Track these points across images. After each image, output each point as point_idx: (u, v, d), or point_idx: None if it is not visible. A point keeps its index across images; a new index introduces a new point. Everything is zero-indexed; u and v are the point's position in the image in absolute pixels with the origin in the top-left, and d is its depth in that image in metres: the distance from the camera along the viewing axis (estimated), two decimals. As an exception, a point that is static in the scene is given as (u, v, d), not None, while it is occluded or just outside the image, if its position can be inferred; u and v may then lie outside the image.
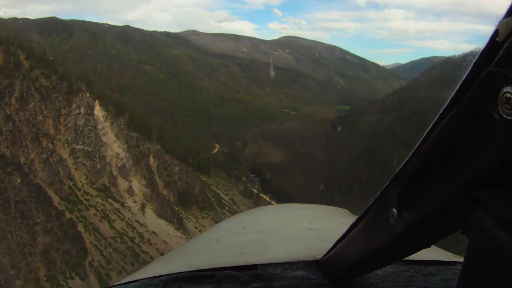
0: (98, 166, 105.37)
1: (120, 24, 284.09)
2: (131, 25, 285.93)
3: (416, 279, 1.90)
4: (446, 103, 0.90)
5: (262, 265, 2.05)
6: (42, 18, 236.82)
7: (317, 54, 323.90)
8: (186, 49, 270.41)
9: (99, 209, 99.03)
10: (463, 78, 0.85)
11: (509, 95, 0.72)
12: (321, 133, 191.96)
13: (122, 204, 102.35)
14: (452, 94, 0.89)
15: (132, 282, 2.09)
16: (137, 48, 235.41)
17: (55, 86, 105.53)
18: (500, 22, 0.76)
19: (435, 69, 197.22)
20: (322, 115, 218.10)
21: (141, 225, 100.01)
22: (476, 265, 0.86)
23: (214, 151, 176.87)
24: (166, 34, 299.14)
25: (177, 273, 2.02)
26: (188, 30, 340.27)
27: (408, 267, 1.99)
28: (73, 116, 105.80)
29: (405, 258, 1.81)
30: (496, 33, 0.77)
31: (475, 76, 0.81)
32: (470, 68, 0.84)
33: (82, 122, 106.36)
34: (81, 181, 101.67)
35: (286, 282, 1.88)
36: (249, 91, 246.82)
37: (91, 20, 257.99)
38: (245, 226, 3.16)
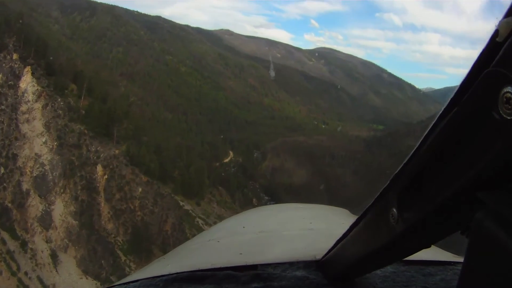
0: (1, 170, 56.65)
1: (152, 14, 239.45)
2: (163, 16, 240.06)
3: (416, 279, 1.82)
4: (446, 103, 0.86)
5: (262, 265, 1.95)
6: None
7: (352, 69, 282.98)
8: (217, 46, 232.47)
9: (-26, 251, 50.51)
10: (463, 78, 0.81)
11: (509, 95, 0.68)
12: (354, 153, 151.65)
13: (23, 245, 54.11)
14: (452, 94, 0.84)
15: (132, 282, 1.98)
16: (162, 38, 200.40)
17: (-28, 43, 58.12)
18: (500, 22, 0.72)
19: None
20: (355, 132, 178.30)
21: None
22: (476, 265, 0.81)
23: (226, 160, 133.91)
24: (198, 30, 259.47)
25: (177, 273, 1.91)
26: (222, 29, 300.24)
27: (408, 267, 1.91)
28: (-19, 87, 57.77)
29: (405, 258, 1.71)
30: (496, 33, 0.73)
31: (475, 76, 0.77)
32: (470, 68, 0.80)
33: (-7, 97, 58.02)
34: (-38, 196, 53.38)
35: (286, 282, 1.79)
36: (278, 97, 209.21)
37: (121, 6, 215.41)
38: (245, 226, 2.96)
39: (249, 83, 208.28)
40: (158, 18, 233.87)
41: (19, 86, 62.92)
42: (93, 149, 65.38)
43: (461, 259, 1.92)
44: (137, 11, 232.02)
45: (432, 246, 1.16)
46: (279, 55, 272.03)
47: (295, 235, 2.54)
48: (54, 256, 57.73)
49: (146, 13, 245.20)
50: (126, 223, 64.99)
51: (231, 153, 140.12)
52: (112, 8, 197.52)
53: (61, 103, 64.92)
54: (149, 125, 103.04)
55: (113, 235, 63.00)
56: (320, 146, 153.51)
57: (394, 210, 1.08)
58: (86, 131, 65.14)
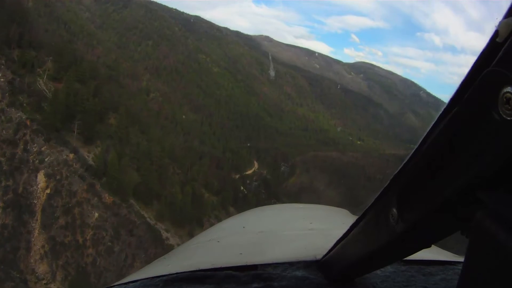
0: None
1: (191, 13, 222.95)
2: (202, 17, 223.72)
3: (416, 279, 1.76)
4: (446, 103, 0.81)
5: (262, 265, 1.87)
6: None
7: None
8: (254, 51, 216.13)
9: None
10: (463, 78, 0.77)
11: (509, 95, 0.65)
12: (391, 175, 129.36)
13: None
14: (452, 94, 0.80)
15: (132, 282, 1.89)
16: (198, 37, 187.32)
17: None
18: (500, 23, 0.69)
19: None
20: (391, 151, 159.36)
21: None
22: (476, 265, 0.77)
23: (248, 172, 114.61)
24: (237, 33, 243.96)
25: (177, 273, 1.83)
26: (262, 35, 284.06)
27: (408, 267, 1.84)
28: None
29: (405, 258, 1.66)
30: (496, 33, 0.70)
31: (475, 76, 0.74)
32: (470, 68, 0.76)
33: None
34: None
35: (286, 282, 1.72)
36: (313, 108, 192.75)
37: (159, 2, 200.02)
38: (245, 226, 2.90)
39: (285, 91, 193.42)
40: (197, 17, 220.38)
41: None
42: (34, 149, 44.31)
43: (461, 259, 1.89)
44: (175, 9, 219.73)
45: (432, 246, 1.12)
46: (317, 66, 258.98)
47: (295, 235, 2.46)
48: None
49: (184, 11, 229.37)
50: (67, 266, 42.57)
51: (255, 164, 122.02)
52: (148, 3, 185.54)
53: (1, 79, 44.57)
54: (156, 124, 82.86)
55: (44, 282, 41.61)
56: (354, 164, 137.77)
57: (394, 210, 1.05)
58: (28, 123, 44.91)
